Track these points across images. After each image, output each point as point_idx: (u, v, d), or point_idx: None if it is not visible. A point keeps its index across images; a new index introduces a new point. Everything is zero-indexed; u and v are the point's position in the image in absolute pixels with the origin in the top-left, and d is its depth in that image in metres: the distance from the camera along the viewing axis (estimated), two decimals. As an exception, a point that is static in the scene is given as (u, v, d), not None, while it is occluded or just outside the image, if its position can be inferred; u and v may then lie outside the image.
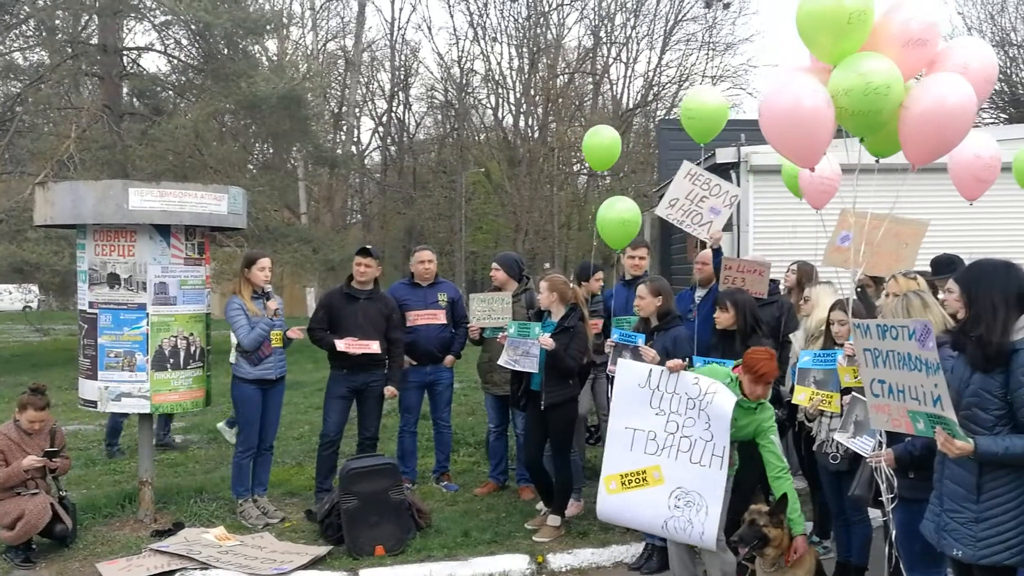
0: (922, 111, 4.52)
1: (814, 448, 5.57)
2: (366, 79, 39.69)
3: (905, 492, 4.29)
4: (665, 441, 5.16)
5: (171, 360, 6.50)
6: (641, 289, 6.25)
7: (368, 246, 7.36)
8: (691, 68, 35.19)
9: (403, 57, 39.51)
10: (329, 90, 34.93)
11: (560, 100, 34.82)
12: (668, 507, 5.08)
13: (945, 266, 6.41)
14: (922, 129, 4.55)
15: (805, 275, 7.06)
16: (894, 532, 4.37)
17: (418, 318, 7.53)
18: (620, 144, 7.61)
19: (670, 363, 5.28)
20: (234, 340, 6.96)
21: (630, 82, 36.27)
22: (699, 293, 7.09)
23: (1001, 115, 25.53)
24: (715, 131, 6.92)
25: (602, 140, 7.39)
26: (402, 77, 39.61)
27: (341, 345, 6.91)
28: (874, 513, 5.21)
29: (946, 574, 4.43)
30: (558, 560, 6.12)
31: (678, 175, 6.90)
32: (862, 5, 4.41)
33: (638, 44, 34.80)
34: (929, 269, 6.65)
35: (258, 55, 24.41)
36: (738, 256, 10.03)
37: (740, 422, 5.05)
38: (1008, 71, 25.30)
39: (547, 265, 26.59)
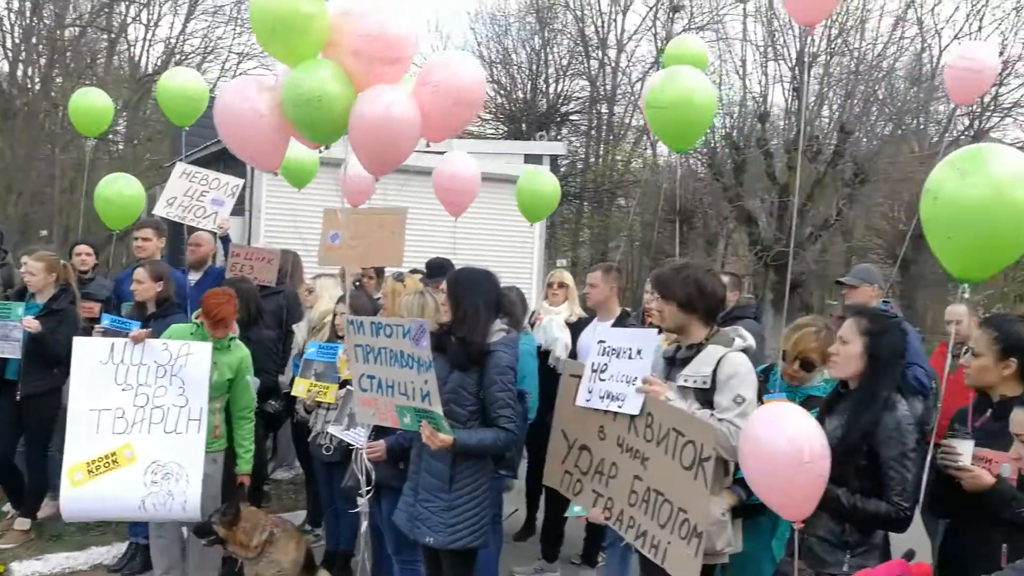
0: (360, 124, 4.33)
1: (309, 440, 5.68)
2: None
3: (395, 482, 4.54)
4: (135, 416, 4.87)
5: None
6: (139, 273, 5.86)
7: None
8: (217, 41, 33.95)
9: None
10: None
11: (68, 53, 31.56)
12: (144, 484, 4.81)
13: (438, 269, 6.86)
14: (363, 140, 4.40)
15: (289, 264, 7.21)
16: (365, 524, 4.68)
17: None
18: (111, 111, 7.34)
19: (134, 333, 5.03)
20: None
21: (150, 46, 33.98)
22: (192, 277, 6.88)
23: (501, 127, 28.37)
24: (196, 113, 6.90)
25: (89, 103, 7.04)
26: None
27: None
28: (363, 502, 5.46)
29: None
30: (25, 568, 5.57)
31: (173, 175, 6.75)
32: (285, 16, 4.13)
33: (160, 8, 32.70)
34: (425, 271, 7.12)
35: None
36: (248, 243, 9.91)
37: (219, 366, 5.05)
38: (508, 89, 28.24)
39: (43, 232, 23.95)
